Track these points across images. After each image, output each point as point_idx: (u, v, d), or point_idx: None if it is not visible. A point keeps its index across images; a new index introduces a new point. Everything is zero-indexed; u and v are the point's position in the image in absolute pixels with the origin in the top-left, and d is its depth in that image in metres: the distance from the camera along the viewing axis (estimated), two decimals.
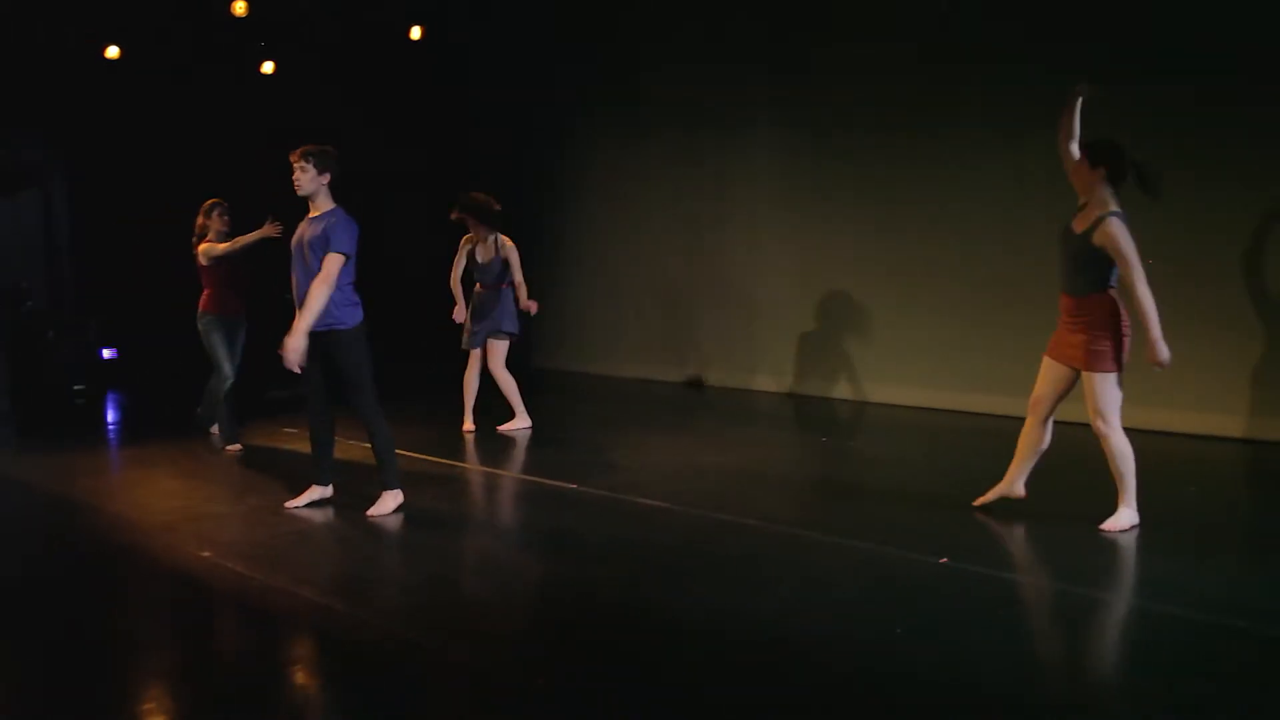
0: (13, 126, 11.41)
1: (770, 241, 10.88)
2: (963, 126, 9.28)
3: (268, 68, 12.06)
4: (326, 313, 6.29)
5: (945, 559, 5.43)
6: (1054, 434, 6.02)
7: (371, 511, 6.51)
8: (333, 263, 6.25)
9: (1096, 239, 5.52)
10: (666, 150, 11.67)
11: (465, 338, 9.08)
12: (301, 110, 12.40)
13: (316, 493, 6.77)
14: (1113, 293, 5.63)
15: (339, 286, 6.30)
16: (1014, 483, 6.09)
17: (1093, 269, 5.58)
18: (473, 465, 7.93)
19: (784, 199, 10.72)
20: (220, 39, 11.57)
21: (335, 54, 12.33)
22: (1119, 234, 5.47)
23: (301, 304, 6.31)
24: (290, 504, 6.73)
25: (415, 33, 12.14)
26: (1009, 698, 4.01)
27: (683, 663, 4.36)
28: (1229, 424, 8.12)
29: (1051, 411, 5.90)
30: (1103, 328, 5.58)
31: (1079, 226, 5.64)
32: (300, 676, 4.48)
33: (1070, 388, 5.81)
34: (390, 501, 6.56)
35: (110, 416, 10.93)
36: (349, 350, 6.40)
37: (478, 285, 9.07)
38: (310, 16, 11.97)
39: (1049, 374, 5.84)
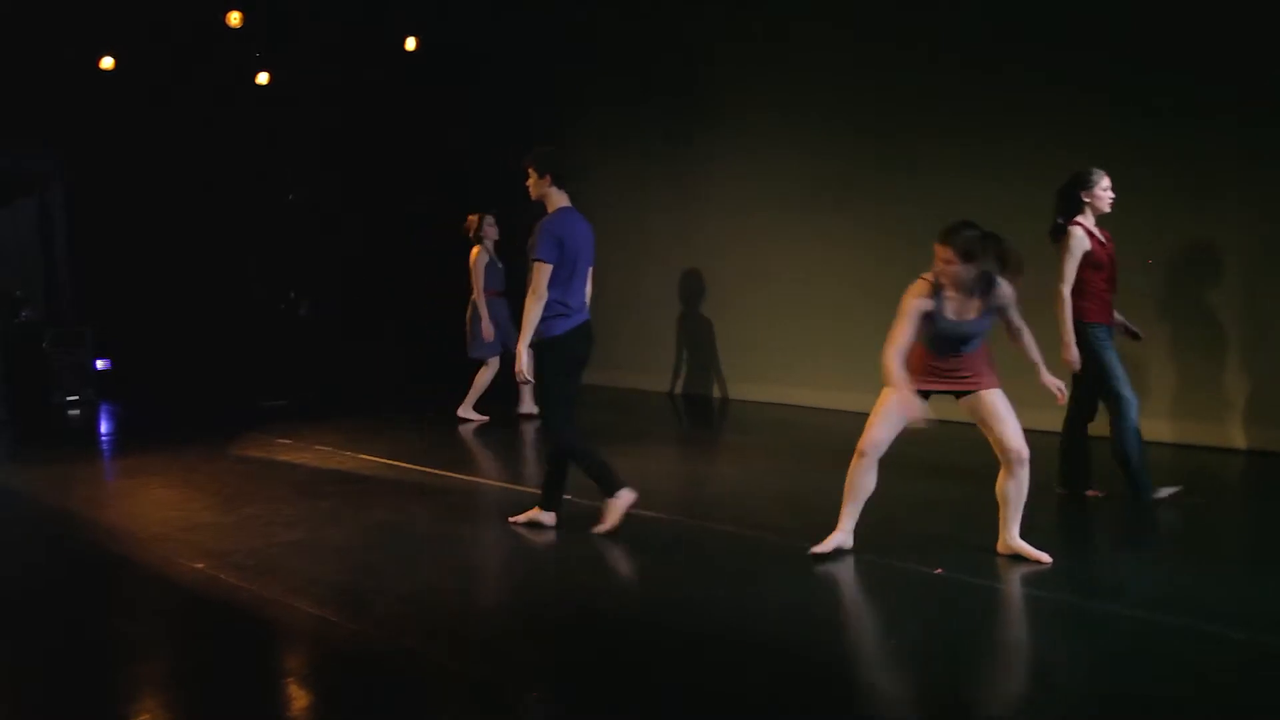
0: (10, 135, 11.43)
1: (768, 248, 10.88)
2: (965, 129, 9.28)
3: (263, 78, 12.09)
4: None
5: (941, 569, 5.45)
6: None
7: (513, 518, 6.48)
8: (534, 272, 6.06)
9: None
10: (664, 156, 11.67)
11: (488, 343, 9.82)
12: (298, 119, 12.46)
13: (617, 507, 6.29)
14: None
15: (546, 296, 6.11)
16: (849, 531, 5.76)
17: None
18: (467, 476, 7.94)
19: (783, 205, 10.72)
20: (216, 49, 11.60)
21: (332, 62, 12.35)
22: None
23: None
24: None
25: (410, 44, 12.17)
26: (1005, 707, 4.02)
27: (680, 674, 4.37)
28: (1236, 435, 8.16)
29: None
30: None
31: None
32: (295, 689, 4.47)
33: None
34: (534, 515, 6.41)
35: (105, 426, 10.92)
36: (540, 362, 6.23)
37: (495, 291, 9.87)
38: (306, 26, 12.00)
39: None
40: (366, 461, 8.31)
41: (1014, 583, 5.36)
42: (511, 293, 9.46)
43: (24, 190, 12.40)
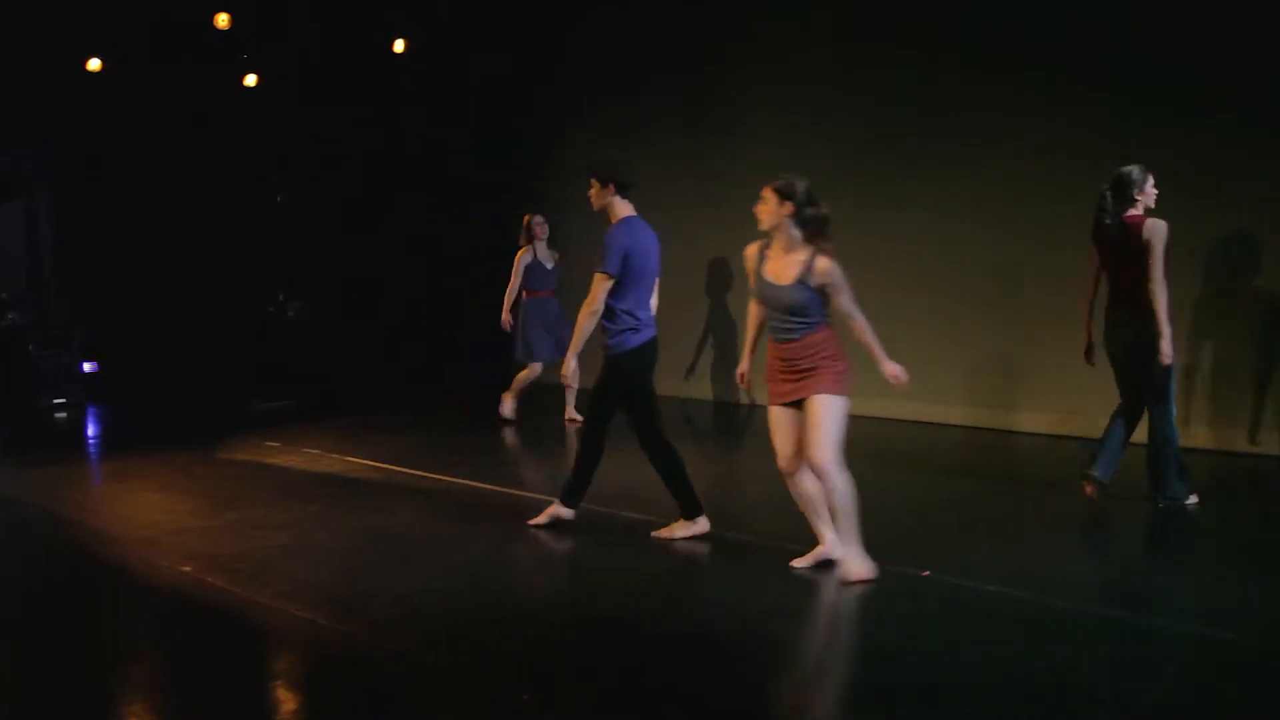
0: None
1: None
2: (965, 129, 9.24)
3: (251, 80, 12.01)
4: (604, 334, 6.03)
5: (928, 571, 5.41)
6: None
7: (532, 520, 6.34)
8: (594, 284, 5.96)
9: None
10: (663, 158, 11.61)
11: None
12: (290, 123, 12.38)
13: (686, 528, 6.11)
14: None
15: (609, 309, 6.01)
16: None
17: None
18: (460, 479, 7.87)
19: None
20: (205, 51, 11.52)
21: (324, 65, 12.27)
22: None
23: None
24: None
25: (399, 45, 12.09)
26: (991, 709, 3.97)
27: (674, 676, 4.32)
28: (1237, 439, 8.10)
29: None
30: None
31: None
32: (285, 691, 4.42)
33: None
34: (554, 511, 6.31)
35: (92, 429, 10.85)
36: (612, 374, 6.12)
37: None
38: (295, 28, 11.94)
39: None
40: (355, 464, 8.25)
41: (1007, 585, 5.30)
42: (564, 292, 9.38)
43: (11, 191, 12.32)
